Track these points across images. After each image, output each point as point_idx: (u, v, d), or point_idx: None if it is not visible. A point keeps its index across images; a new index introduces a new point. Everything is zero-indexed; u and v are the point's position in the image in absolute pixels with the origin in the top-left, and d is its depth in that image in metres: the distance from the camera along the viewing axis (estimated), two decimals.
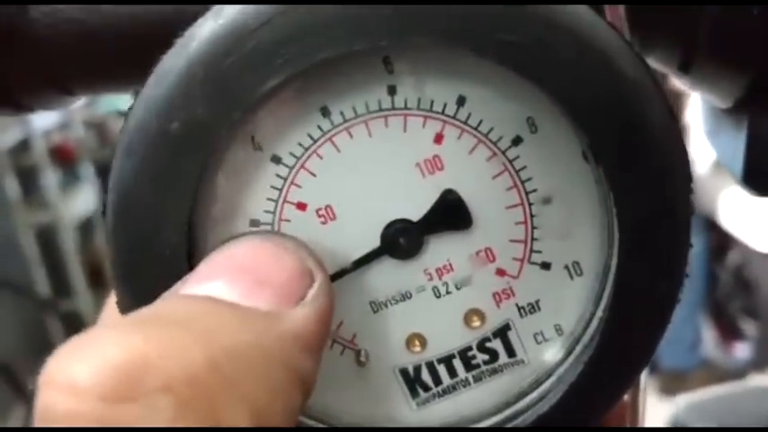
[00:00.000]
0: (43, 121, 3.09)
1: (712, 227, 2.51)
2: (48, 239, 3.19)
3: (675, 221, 0.28)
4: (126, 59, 0.32)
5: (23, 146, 3.11)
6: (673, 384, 2.51)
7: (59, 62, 0.33)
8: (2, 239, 2.99)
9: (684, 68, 0.31)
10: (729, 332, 2.67)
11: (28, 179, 3.12)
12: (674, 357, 2.53)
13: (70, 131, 3.47)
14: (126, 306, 0.28)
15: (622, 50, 0.27)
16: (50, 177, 3.21)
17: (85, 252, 3.37)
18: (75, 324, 3.00)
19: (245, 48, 0.26)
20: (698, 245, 2.46)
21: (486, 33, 0.26)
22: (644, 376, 0.37)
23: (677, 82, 0.34)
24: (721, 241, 2.55)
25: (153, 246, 0.28)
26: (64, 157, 3.38)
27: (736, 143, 0.32)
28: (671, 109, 0.27)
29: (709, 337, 2.67)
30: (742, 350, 2.62)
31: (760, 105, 0.30)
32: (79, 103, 0.38)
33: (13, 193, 3.07)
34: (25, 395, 2.69)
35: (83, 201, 3.40)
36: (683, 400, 0.72)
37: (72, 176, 3.44)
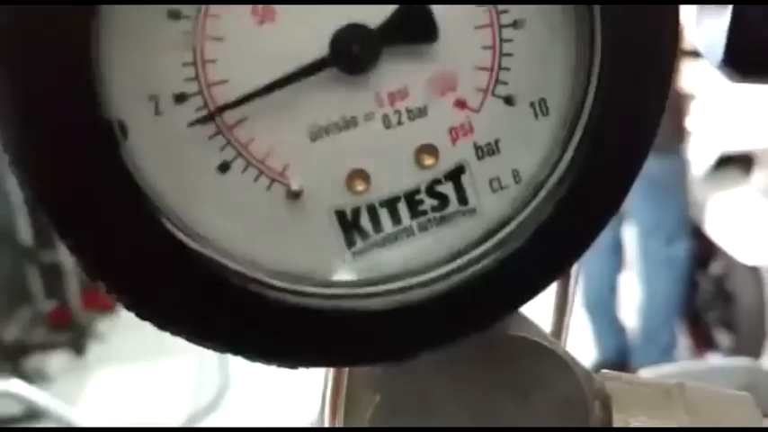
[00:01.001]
0: None
1: (699, 235, 2.50)
2: None
3: (665, 48, 0.25)
4: None
5: None
6: None
7: None
8: None
9: None
10: (704, 341, 2.64)
11: None
12: (647, 359, 2.48)
13: None
14: (7, 112, 0.23)
15: None
16: None
17: None
18: (54, 275, 2.91)
19: None
20: (681, 251, 2.45)
21: None
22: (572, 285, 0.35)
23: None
24: (706, 250, 2.53)
25: (46, 25, 0.22)
26: None
27: (719, 24, 0.30)
28: None
29: (683, 343, 2.65)
30: (714, 361, 2.66)
31: None
32: None
33: None
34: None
35: None
36: (644, 374, 0.72)
37: None
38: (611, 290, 2.64)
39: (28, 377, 2.45)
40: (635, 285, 2.65)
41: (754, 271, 2.42)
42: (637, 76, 0.26)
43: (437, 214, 0.28)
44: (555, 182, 0.27)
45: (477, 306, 0.27)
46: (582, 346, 2.71)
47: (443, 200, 0.28)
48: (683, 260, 2.54)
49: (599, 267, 2.58)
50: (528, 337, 0.29)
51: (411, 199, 0.28)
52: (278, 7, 0.25)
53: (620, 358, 2.64)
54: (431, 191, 0.28)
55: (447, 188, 0.28)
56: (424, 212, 0.28)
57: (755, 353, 2.45)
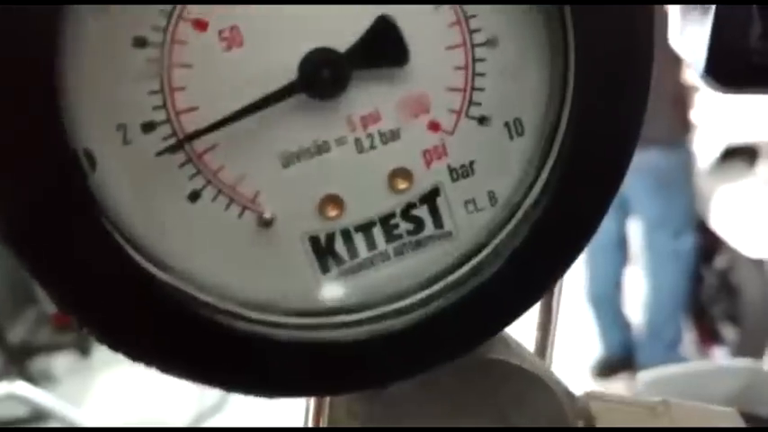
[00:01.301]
0: None
1: (703, 228, 2.48)
2: None
3: (639, 65, 0.25)
4: None
5: None
6: None
7: None
8: None
9: None
10: (709, 335, 2.62)
11: None
12: (652, 354, 2.48)
13: None
14: None
15: None
16: None
17: None
18: None
19: None
20: (687, 245, 2.44)
21: None
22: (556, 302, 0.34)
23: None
24: (710, 244, 2.51)
25: (8, 48, 0.21)
26: None
27: (702, 29, 0.29)
28: None
29: (688, 338, 2.63)
30: (720, 354, 2.57)
31: None
32: None
33: None
34: (4, 344, 2.69)
35: None
36: (646, 375, 0.72)
37: None
38: (616, 285, 2.64)
39: (33, 378, 2.47)
40: (640, 280, 2.64)
41: (759, 264, 2.40)
42: (612, 95, 0.25)
43: (413, 238, 0.28)
44: (530, 204, 0.27)
45: (455, 333, 0.27)
46: (586, 341, 2.70)
47: (419, 223, 0.28)
48: (689, 253, 2.53)
49: (604, 262, 2.57)
50: (508, 361, 0.29)
51: (386, 223, 0.27)
52: (246, 32, 0.25)
53: (625, 353, 2.63)
54: (406, 215, 0.27)
55: (422, 212, 0.28)
56: (400, 236, 0.28)
57: (760, 346, 2.44)
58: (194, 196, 0.26)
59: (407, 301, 0.27)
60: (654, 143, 2.11)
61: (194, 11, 0.25)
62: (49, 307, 3.04)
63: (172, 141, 0.25)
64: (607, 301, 2.65)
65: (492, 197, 0.28)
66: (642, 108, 0.26)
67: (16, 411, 2.05)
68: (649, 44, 0.25)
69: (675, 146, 2.31)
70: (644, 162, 2.12)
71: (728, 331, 2.59)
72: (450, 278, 0.27)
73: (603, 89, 0.25)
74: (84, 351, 2.83)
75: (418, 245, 0.28)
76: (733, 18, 0.29)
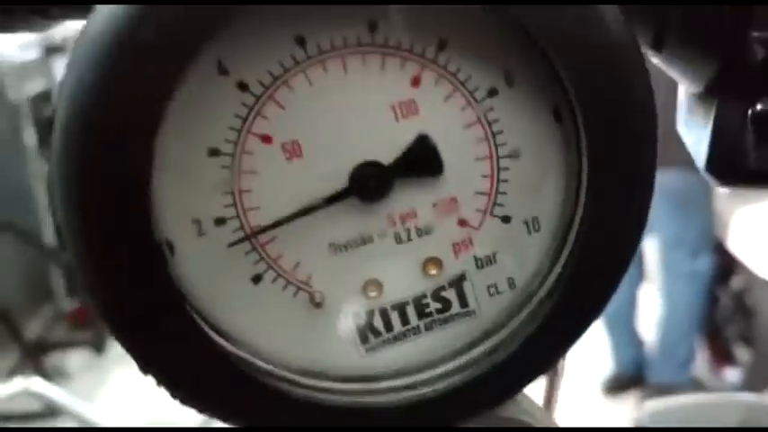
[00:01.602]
0: None
1: (720, 249, 2.45)
2: None
3: (643, 183, 0.29)
4: None
5: (45, 96, 3.14)
6: (657, 398, 2.46)
7: None
8: (16, 185, 3.07)
9: (657, 47, 0.32)
10: (722, 355, 2.62)
11: (47, 129, 3.10)
12: (663, 372, 2.51)
13: None
14: (75, 234, 0.27)
15: (615, 15, 0.27)
16: None
17: None
18: (75, 276, 2.98)
19: None
20: (704, 265, 2.45)
21: None
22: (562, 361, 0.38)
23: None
24: (727, 264, 2.50)
25: (111, 167, 0.26)
26: None
27: (704, 130, 0.33)
28: (649, 78, 0.28)
29: (701, 357, 2.64)
30: (732, 375, 2.56)
31: (727, 90, 0.31)
32: None
33: (30, 141, 3.13)
34: (20, 340, 2.74)
35: None
36: (651, 405, 0.75)
37: None
38: (631, 302, 2.64)
39: (48, 374, 2.52)
40: (655, 298, 2.65)
41: None
42: (619, 203, 0.29)
43: (441, 316, 0.32)
44: (545, 293, 0.31)
45: (473, 400, 0.31)
46: (599, 358, 2.72)
47: (447, 303, 0.32)
48: (705, 274, 2.53)
49: None
50: (515, 418, 0.33)
51: (418, 303, 0.32)
52: (305, 146, 0.29)
53: (636, 371, 2.64)
54: (436, 296, 0.32)
55: (450, 294, 0.32)
56: (430, 314, 0.32)
57: None
58: (257, 279, 0.30)
59: (435, 372, 0.32)
60: (673, 164, 2.13)
61: (261, 127, 0.29)
62: (66, 304, 3.09)
63: (240, 234, 0.30)
64: (620, 318, 2.66)
65: (511, 283, 0.32)
66: (646, 210, 0.30)
67: (31, 407, 2.11)
68: (652, 160, 0.29)
69: (694, 167, 2.32)
70: (662, 183, 2.12)
71: (742, 352, 2.58)
72: (472, 353, 0.32)
73: (612, 198, 0.29)
74: (98, 348, 2.89)
75: (445, 321, 0.32)
76: (731, 125, 0.33)
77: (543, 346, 0.31)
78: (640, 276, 2.62)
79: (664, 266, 2.58)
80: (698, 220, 2.47)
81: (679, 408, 0.80)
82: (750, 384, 2.47)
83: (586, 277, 0.30)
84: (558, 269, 0.31)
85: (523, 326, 0.31)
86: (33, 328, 2.99)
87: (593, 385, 2.68)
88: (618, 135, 0.28)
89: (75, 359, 2.88)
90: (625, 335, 2.62)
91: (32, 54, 3.08)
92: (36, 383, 1.46)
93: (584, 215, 0.29)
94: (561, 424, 0.37)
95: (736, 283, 2.57)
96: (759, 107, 0.30)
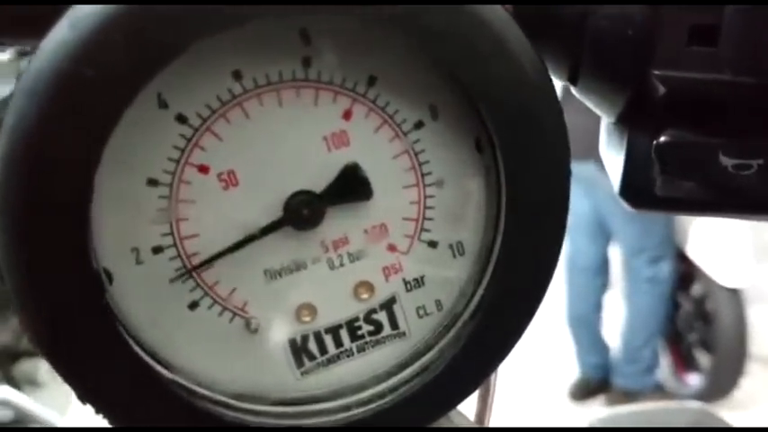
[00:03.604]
0: None
1: (681, 256, 2.54)
2: None
3: (558, 208, 0.31)
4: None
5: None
6: (622, 403, 2.39)
7: None
8: None
9: (572, 81, 0.34)
10: (684, 361, 2.68)
11: None
12: (628, 377, 2.56)
13: None
14: (13, 263, 0.27)
15: (529, 54, 0.29)
16: None
17: None
18: (13, 305, 2.92)
19: None
20: (666, 271, 2.50)
21: (413, 20, 0.27)
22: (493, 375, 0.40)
23: None
24: (687, 271, 2.58)
25: (50, 196, 0.27)
26: None
27: (618, 157, 0.34)
28: (560, 113, 0.30)
29: (664, 363, 2.69)
30: (694, 380, 2.62)
31: (635, 122, 0.33)
32: None
33: None
34: None
35: None
36: (602, 413, 0.78)
37: None
38: (596, 308, 2.68)
39: (18, 383, 2.48)
40: (620, 305, 2.70)
41: (734, 293, 2.46)
42: (535, 230, 0.31)
43: (373, 338, 0.34)
44: (469, 314, 0.33)
45: (406, 419, 0.33)
46: (565, 363, 2.75)
47: (378, 326, 0.34)
48: (666, 280, 2.58)
49: (584, 285, 2.62)
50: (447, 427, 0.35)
51: (351, 325, 0.33)
52: (240, 175, 0.31)
53: (602, 376, 2.68)
54: (368, 318, 0.33)
55: (381, 316, 0.33)
56: (362, 336, 0.33)
57: (734, 374, 2.50)
58: (193, 305, 0.31)
59: (369, 393, 0.33)
60: None
61: (198, 157, 0.30)
62: None
63: (177, 262, 0.31)
64: (586, 324, 2.70)
65: (439, 304, 0.34)
66: (560, 235, 0.32)
67: (0, 415, 2.08)
68: (566, 189, 0.31)
69: None
70: None
71: (703, 358, 2.63)
72: (404, 373, 0.33)
73: (528, 225, 0.31)
74: None
75: (377, 343, 0.34)
76: (640, 155, 0.34)
77: (470, 366, 0.32)
78: (605, 283, 2.67)
79: (626, 273, 2.63)
80: (659, 227, 2.53)
81: (627, 415, 0.82)
82: (711, 390, 2.52)
83: (506, 300, 0.32)
84: (480, 291, 0.33)
85: (450, 346, 0.33)
86: (3, 337, 2.94)
87: (559, 391, 2.71)
88: (532, 165, 0.30)
89: (46, 367, 2.83)
90: (589, 340, 2.66)
91: (3, 56, 3.04)
92: (5, 392, 1.44)
93: (503, 240, 0.31)
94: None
95: (696, 290, 2.62)
96: (662, 139, 0.32)
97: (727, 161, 0.32)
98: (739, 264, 2.42)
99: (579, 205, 2.42)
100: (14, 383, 2.29)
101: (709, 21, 0.30)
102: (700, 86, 0.31)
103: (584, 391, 2.68)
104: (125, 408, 0.30)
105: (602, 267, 2.64)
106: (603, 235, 2.57)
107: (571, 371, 2.71)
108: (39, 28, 0.30)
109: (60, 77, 0.26)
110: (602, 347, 2.69)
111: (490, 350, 0.32)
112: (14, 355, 2.89)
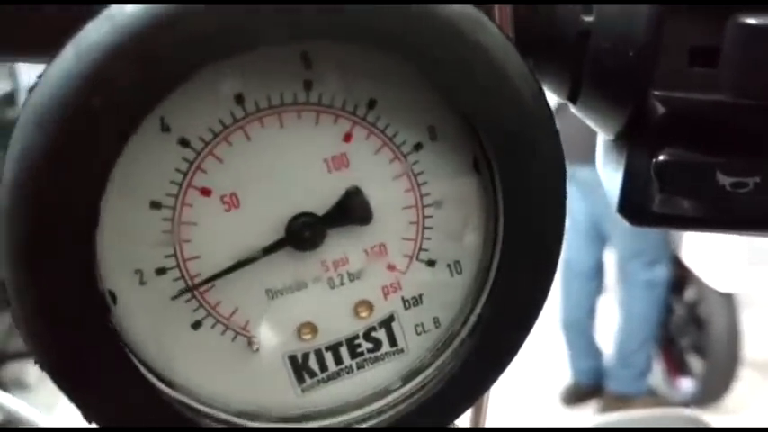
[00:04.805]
0: (32, 76, 2.98)
1: (675, 261, 2.55)
2: None
3: (554, 228, 0.31)
4: (41, 27, 0.31)
5: (9, 98, 3.09)
6: (615, 407, 2.46)
7: None
8: None
9: (572, 100, 0.34)
10: (677, 366, 2.69)
11: (10, 133, 2.99)
12: (621, 382, 2.56)
13: None
14: (20, 291, 0.28)
15: (528, 79, 0.30)
16: None
17: None
18: (19, 325, 2.93)
19: (180, 24, 0.26)
20: (662, 274, 2.51)
21: (415, 45, 0.28)
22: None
23: None
24: (681, 276, 2.59)
25: (57, 224, 0.27)
26: None
27: (617, 174, 0.35)
28: (556, 135, 0.31)
29: (656, 367, 2.69)
30: (687, 385, 2.63)
31: (634, 141, 0.33)
32: None
33: None
34: None
35: None
36: (598, 419, 0.78)
37: None
38: (590, 312, 2.69)
39: (6, 385, 2.47)
40: (614, 310, 2.71)
41: (727, 297, 2.48)
42: (531, 250, 0.32)
43: (372, 355, 0.34)
44: (467, 333, 0.33)
45: None
46: (558, 368, 2.76)
47: (377, 343, 0.34)
48: (661, 284, 2.59)
49: (579, 290, 2.63)
50: None
51: (351, 343, 0.34)
52: (242, 198, 0.31)
53: (595, 381, 2.69)
54: (367, 336, 0.34)
55: (380, 333, 0.34)
56: (362, 353, 0.34)
57: (727, 379, 2.51)
58: (196, 325, 0.32)
59: (368, 409, 0.34)
60: None
61: (200, 180, 0.31)
62: None
63: (180, 283, 0.31)
64: (579, 328, 2.70)
65: (437, 322, 0.34)
66: (556, 255, 0.32)
67: None
68: (562, 210, 0.32)
69: None
70: None
71: (696, 363, 2.64)
72: (403, 390, 0.34)
73: (524, 244, 0.32)
74: None
75: (377, 360, 0.34)
76: (638, 173, 0.35)
77: (467, 382, 0.33)
78: (601, 287, 2.68)
79: (621, 277, 2.64)
80: (654, 231, 2.53)
81: (625, 421, 0.83)
82: (704, 395, 2.54)
83: (503, 317, 0.32)
84: (478, 310, 0.33)
85: (448, 363, 0.33)
86: None
87: (552, 395, 2.72)
88: (529, 187, 0.31)
89: (35, 370, 2.81)
90: (583, 344, 2.67)
91: None
92: None
93: (500, 260, 0.32)
94: None
95: (689, 294, 2.63)
96: (660, 158, 0.32)
97: (724, 179, 0.33)
98: (732, 268, 2.44)
99: (576, 209, 2.44)
100: (2, 386, 2.28)
101: (710, 42, 0.31)
102: (699, 107, 0.32)
103: (576, 396, 2.69)
104: (128, 426, 0.30)
105: (597, 272, 2.65)
106: (599, 239, 2.59)
107: (563, 376, 2.72)
108: (41, 47, 0.31)
109: (67, 109, 0.26)
110: (596, 352, 2.69)
111: (487, 366, 0.33)
112: (2, 358, 2.88)
